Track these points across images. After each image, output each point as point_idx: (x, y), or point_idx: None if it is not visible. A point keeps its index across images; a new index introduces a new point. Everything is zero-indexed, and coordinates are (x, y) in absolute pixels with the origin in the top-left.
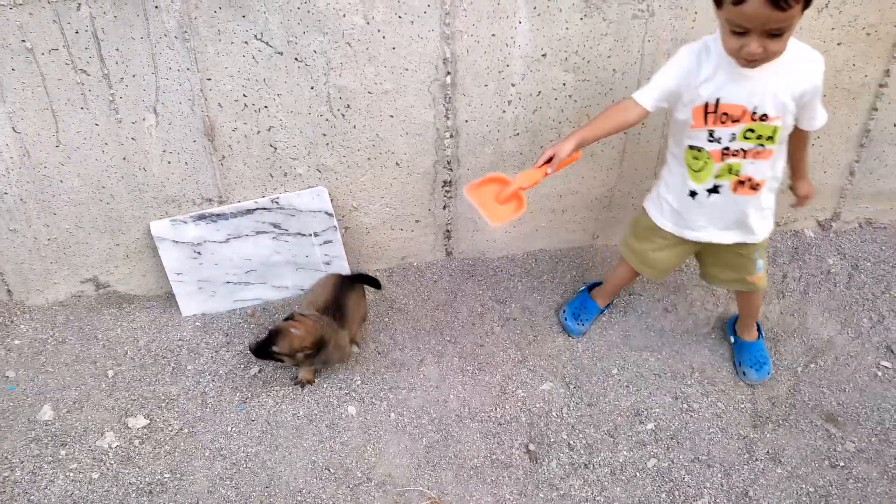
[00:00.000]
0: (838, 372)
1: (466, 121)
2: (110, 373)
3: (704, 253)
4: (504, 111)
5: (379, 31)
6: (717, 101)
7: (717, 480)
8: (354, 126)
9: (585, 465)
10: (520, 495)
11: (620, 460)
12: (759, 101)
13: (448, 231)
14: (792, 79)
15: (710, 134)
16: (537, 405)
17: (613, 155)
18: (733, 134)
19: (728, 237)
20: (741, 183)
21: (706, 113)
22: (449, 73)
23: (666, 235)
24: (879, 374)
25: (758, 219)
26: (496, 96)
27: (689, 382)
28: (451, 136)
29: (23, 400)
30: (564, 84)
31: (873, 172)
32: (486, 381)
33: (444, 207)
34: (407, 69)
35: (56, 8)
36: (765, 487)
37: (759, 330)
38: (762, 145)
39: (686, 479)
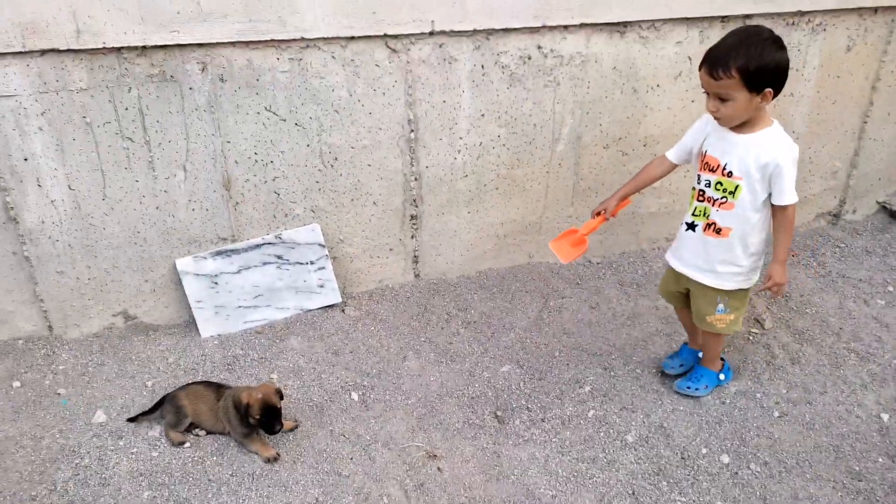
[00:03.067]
0: None
1: (427, 167)
2: (149, 383)
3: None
4: (455, 158)
5: (359, 101)
6: (706, 151)
7: (639, 420)
8: (341, 174)
9: (542, 419)
10: (494, 444)
11: (567, 413)
12: (728, 158)
13: (416, 257)
14: (759, 151)
15: (698, 177)
16: (500, 382)
17: (539, 189)
18: (709, 181)
19: (701, 277)
20: (709, 226)
21: (701, 160)
22: (412, 130)
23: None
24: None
25: (725, 267)
26: (449, 147)
27: (614, 357)
28: (416, 179)
29: (77, 409)
30: (499, 136)
31: None
32: (458, 368)
33: (412, 237)
34: (381, 129)
35: (112, 91)
36: (674, 421)
37: (723, 362)
38: (726, 198)
39: (617, 421)
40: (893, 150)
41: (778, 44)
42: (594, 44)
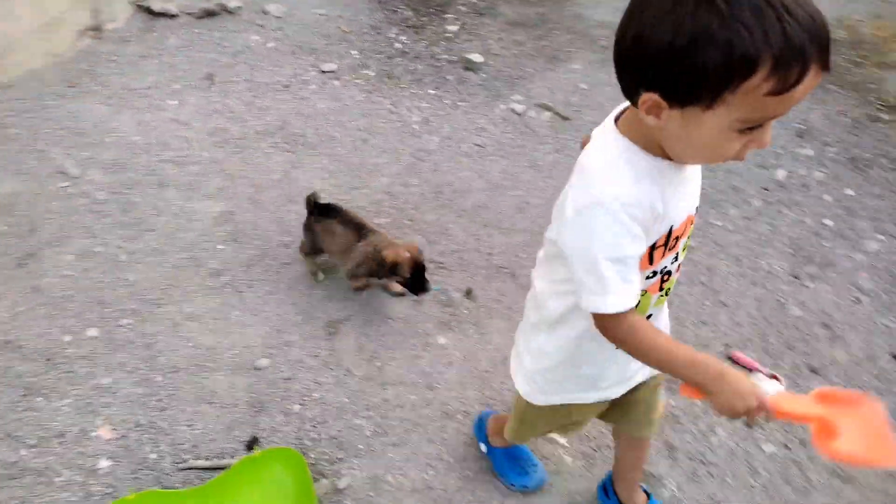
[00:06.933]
0: None
1: None
2: None
3: (615, 403)
4: None
5: None
6: (671, 228)
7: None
8: None
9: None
10: None
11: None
12: (693, 202)
13: None
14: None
15: (653, 272)
16: None
17: None
18: (676, 255)
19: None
20: (667, 295)
21: (654, 250)
22: None
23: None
24: None
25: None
26: None
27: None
28: None
29: None
30: None
31: None
32: None
33: None
34: None
35: None
36: None
37: (646, 492)
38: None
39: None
40: None
41: None
42: None
